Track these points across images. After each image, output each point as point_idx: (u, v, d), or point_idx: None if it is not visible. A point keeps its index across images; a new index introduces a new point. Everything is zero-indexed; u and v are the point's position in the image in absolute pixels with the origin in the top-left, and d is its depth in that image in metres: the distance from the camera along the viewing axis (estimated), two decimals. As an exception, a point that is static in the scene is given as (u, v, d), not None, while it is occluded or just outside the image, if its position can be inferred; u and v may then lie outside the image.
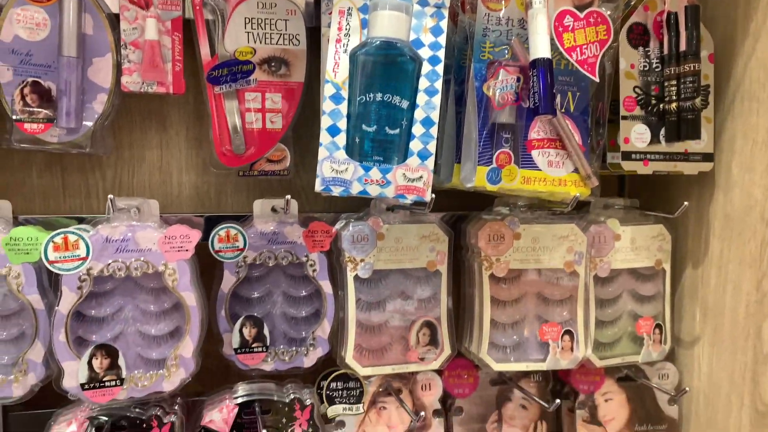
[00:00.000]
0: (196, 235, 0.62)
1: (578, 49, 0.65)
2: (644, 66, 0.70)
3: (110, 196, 0.59)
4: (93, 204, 0.70)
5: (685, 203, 0.72)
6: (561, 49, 0.64)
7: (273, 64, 0.68)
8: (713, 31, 0.72)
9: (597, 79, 0.65)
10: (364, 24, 0.58)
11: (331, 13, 0.63)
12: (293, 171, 0.71)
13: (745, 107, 0.70)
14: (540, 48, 0.61)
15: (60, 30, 0.59)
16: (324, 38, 0.67)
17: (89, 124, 0.62)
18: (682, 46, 0.67)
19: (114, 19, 0.62)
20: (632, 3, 0.71)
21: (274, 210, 0.70)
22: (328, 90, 0.58)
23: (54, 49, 0.60)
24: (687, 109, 0.68)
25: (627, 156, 0.70)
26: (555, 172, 0.66)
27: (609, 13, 0.66)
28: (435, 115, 0.58)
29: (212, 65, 0.66)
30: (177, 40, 0.64)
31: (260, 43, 0.67)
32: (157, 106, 0.71)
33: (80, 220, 0.65)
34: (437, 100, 0.58)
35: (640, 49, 0.70)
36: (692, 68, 0.67)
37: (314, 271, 0.69)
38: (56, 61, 0.60)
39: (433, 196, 0.59)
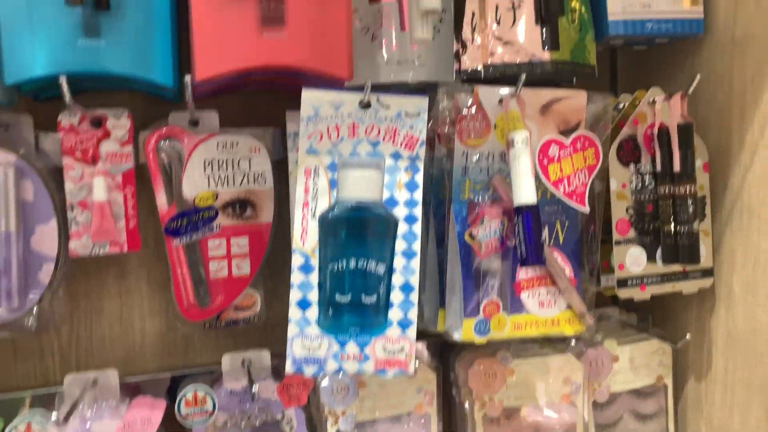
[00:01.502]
0: (158, 415, 0.56)
1: (566, 180, 0.60)
2: (637, 184, 0.65)
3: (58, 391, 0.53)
4: (48, 365, 0.64)
5: (687, 336, 0.68)
6: (547, 183, 0.59)
7: (238, 206, 0.63)
8: (707, 139, 0.68)
9: (587, 210, 0.61)
10: (333, 184, 0.53)
11: (297, 150, 0.58)
12: (264, 314, 0.65)
13: (745, 223, 0.66)
14: (524, 193, 0.56)
15: (-5, 204, 0.54)
16: (291, 176, 0.62)
17: (34, 297, 0.56)
18: (676, 167, 0.63)
19: (57, 181, 0.57)
20: (622, 111, 0.67)
21: (244, 364, 0.65)
22: (296, 260, 0.53)
23: (-10, 222, 0.54)
24: (684, 233, 0.64)
25: (623, 283, 0.65)
26: (547, 312, 0.61)
27: (595, 135, 0.62)
28: (415, 280, 0.53)
29: (170, 215, 0.60)
30: (130, 194, 0.59)
31: (222, 186, 0.62)
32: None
33: (34, 397, 0.59)
34: (416, 264, 0.53)
35: (632, 166, 0.65)
36: (687, 191, 0.63)
37: (291, 429, 0.63)
38: (-6, 235, 0.54)
39: (417, 366, 0.54)
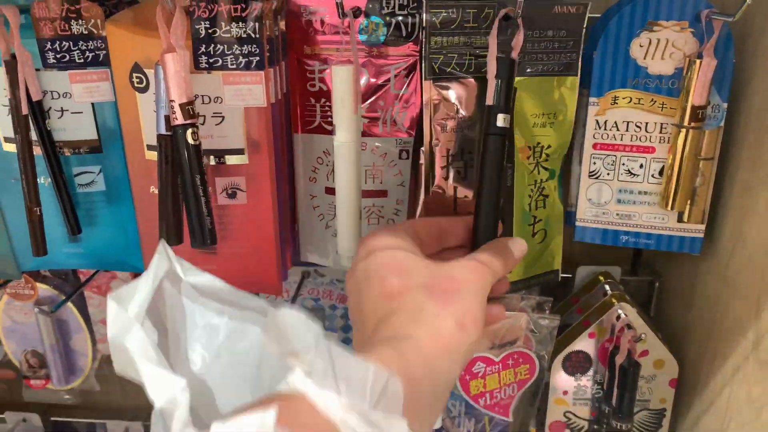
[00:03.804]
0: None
1: (488, 394, 0.62)
2: (581, 393, 0.64)
3: None
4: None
5: None
6: (465, 396, 0.62)
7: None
8: (683, 355, 0.62)
9: (511, 419, 0.63)
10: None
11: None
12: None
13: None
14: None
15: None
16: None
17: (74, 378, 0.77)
18: (613, 400, 0.60)
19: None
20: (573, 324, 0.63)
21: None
22: None
23: (40, 333, 0.74)
24: (617, 454, 0.63)
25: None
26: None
27: (536, 350, 0.61)
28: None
29: (170, 331, 0.75)
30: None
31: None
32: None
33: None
34: None
35: (578, 375, 0.63)
36: (623, 428, 0.61)
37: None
38: (44, 341, 0.74)
39: None
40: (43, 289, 0.71)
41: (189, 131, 0.48)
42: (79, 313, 0.73)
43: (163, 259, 0.31)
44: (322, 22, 0.56)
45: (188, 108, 0.48)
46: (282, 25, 0.55)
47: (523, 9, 0.50)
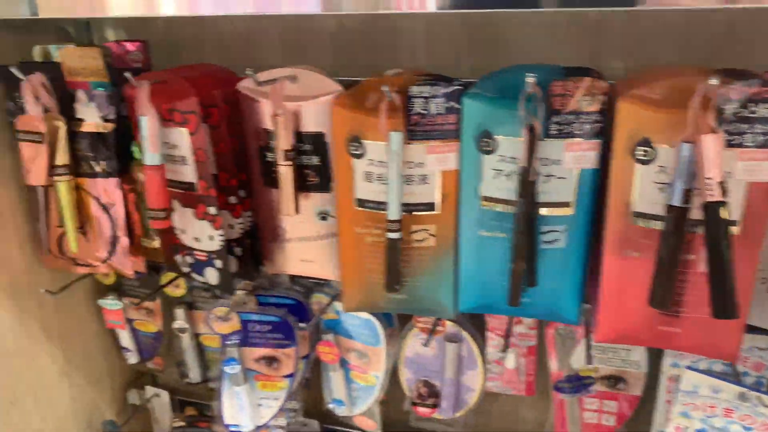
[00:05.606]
0: None
1: None
2: None
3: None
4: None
5: None
6: None
7: (611, 380, 0.77)
8: None
9: None
10: (695, 446, 0.63)
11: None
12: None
13: None
14: None
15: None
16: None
17: (460, 407, 0.82)
18: None
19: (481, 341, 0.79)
20: None
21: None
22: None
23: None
24: None
25: None
26: None
27: None
28: None
29: (559, 377, 0.78)
30: (530, 362, 0.78)
31: (603, 365, 0.76)
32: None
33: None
34: None
35: None
36: None
37: None
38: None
39: None
40: (449, 325, 0.78)
41: (723, 207, 0.50)
42: (479, 351, 0.79)
43: None
44: None
45: (722, 185, 0.50)
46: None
47: None
